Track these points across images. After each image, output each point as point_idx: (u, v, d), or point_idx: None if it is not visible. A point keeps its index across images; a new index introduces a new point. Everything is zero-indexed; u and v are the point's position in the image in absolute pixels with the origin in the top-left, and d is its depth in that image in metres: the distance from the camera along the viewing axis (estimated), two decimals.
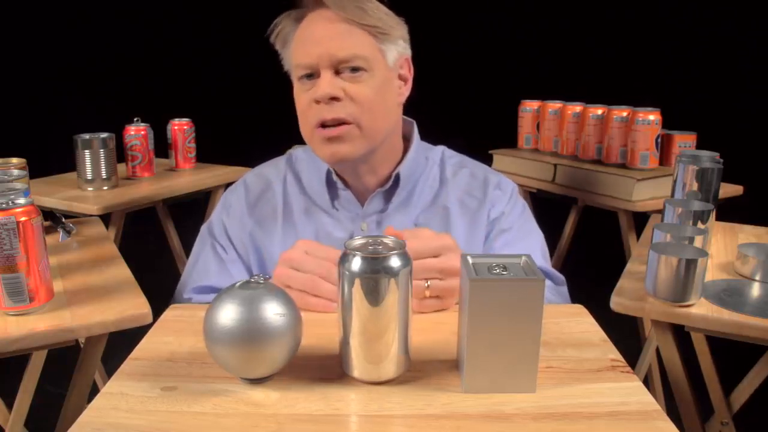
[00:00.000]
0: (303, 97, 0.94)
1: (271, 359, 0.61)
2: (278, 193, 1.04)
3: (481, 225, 1.01)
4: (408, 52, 0.99)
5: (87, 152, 1.61)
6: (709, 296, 0.93)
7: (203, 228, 1.06)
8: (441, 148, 1.09)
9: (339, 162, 0.95)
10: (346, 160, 0.95)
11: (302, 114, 0.96)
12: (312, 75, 0.92)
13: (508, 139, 2.11)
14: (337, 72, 0.91)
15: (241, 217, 1.03)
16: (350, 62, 0.90)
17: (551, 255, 1.81)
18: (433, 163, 1.05)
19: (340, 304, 0.62)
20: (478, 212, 1.01)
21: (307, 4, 0.94)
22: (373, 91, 0.92)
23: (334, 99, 0.90)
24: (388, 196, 1.00)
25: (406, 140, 1.04)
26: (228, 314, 0.59)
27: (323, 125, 0.92)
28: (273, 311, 0.60)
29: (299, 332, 0.63)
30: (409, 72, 1.00)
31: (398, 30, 0.96)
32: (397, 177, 0.99)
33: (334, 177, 0.99)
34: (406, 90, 1.00)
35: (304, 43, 0.93)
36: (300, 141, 1.06)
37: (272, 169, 1.07)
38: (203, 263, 1.01)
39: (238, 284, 0.62)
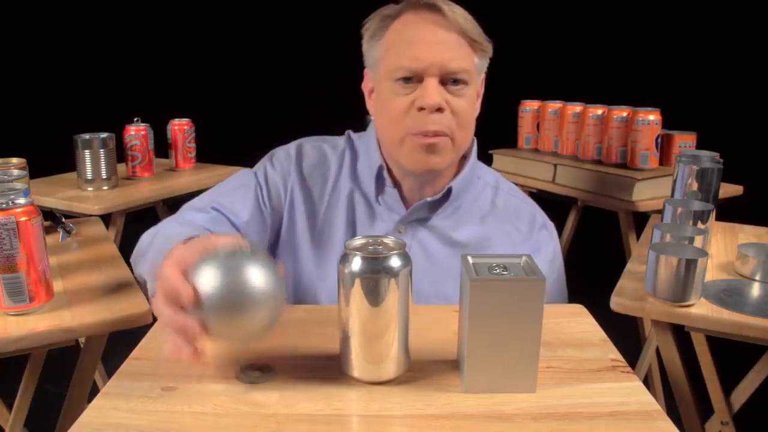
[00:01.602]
0: (400, 100, 0.90)
1: (254, 323, 0.59)
2: (333, 170, 1.00)
3: None
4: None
5: (87, 152, 1.61)
6: (709, 296, 0.93)
7: (246, 171, 1.02)
8: (496, 173, 1.07)
9: (425, 172, 0.93)
10: (433, 171, 0.93)
11: (395, 117, 0.91)
12: (411, 79, 0.89)
13: (508, 139, 2.11)
14: (442, 82, 0.89)
15: (285, 175, 0.99)
16: (458, 74, 0.88)
17: None
18: (485, 184, 1.03)
19: (340, 304, 0.61)
20: (521, 249, 0.97)
21: (413, 3, 0.91)
22: (469, 106, 0.92)
23: (439, 110, 0.88)
24: (435, 206, 0.97)
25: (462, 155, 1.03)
26: (208, 281, 0.58)
27: (422, 133, 0.89)
28: (255, 274, 0.59)
29: (281, 293, 0.61)
30: (481, 88, 0.99)
31: (490, 49, 0.95)
32: (449, 190, 0.97)
33: (384, 173, 0.97)
34: (478, 105, 0.99)
35: (411, 46, 0.89)
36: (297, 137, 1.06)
37: (329, 146, 1.03)
38: (242, 197, 0.97)
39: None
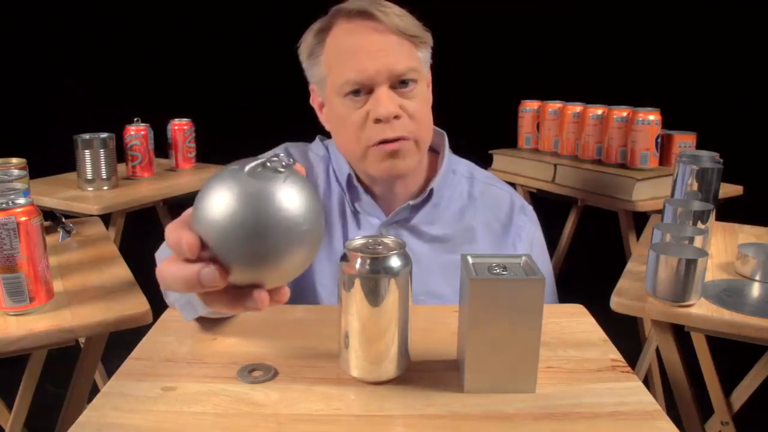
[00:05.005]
0: (354, 114, 0.88)
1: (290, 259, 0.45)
2: (321, 176, 0.99)
3: (505, 250, 0.98)
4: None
5: (87, 152, 1.61)
6: (709, 296, 0.93)
7: None
8: (468, 163, 1.06)
9: (394, 177, 0.92)
10: (402, 176, 0.92)
11: (353, 133, 0.89)
12: (360, 91, 0.87)
13: (508, 139, 2.11)
14: (392, 86, 0.87)
15: None
16: (406, 75, 0.87)
17: (551, 255, 1.82)
18: (460, 176, 1.02)
19: (340, 304, 0.61)
20: (502, 236, 0.99)
21: (343, 12, 0.89)
22: (423, 104, 0.91)
23: (396, 117, 0.87)
24: (417, 207, 0.97)
25: (432, 150, 1.02)
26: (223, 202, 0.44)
27: (384, 141, 0.88)
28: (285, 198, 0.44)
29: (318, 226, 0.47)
30: (429, 75, 0.98)
31: (429, 38, 0.94)
32: (431, 191, 0.96)
33: (355, 182, 0.96)
34: (430, 93, 0.97)
35: (353, 58, 0.86)
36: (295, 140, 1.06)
37: (313, 153, 1.02)
38: None
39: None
